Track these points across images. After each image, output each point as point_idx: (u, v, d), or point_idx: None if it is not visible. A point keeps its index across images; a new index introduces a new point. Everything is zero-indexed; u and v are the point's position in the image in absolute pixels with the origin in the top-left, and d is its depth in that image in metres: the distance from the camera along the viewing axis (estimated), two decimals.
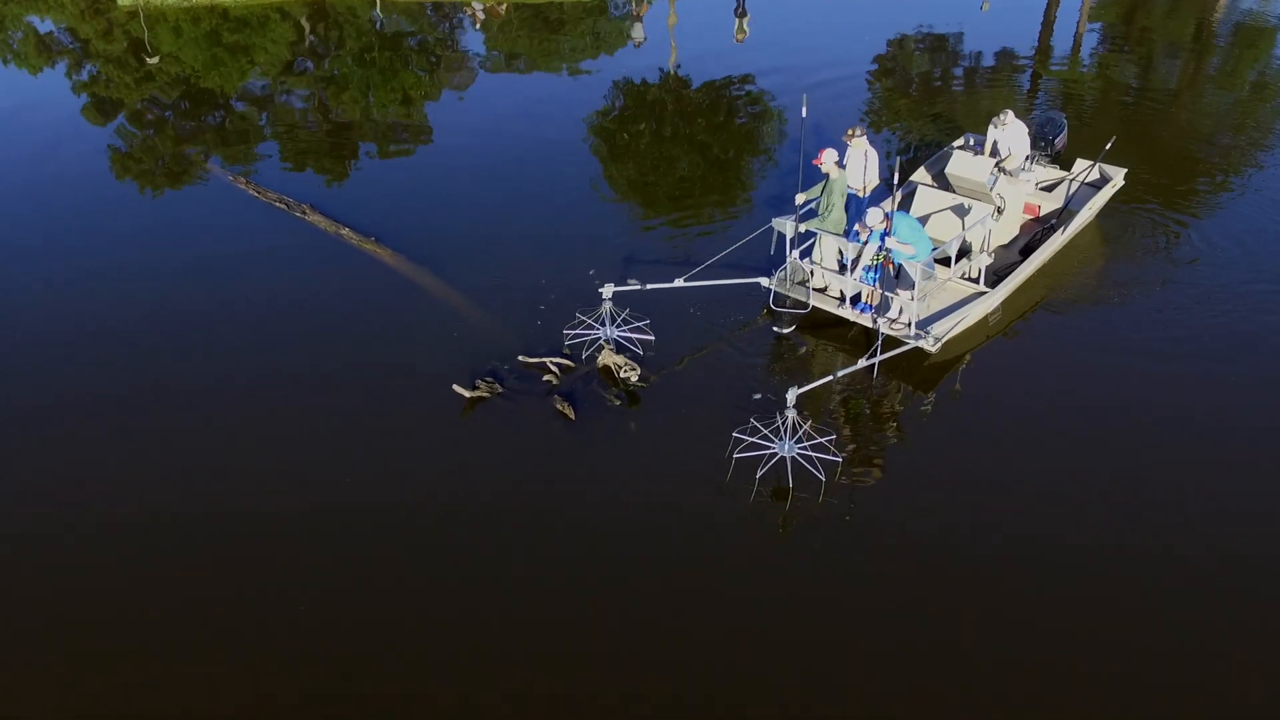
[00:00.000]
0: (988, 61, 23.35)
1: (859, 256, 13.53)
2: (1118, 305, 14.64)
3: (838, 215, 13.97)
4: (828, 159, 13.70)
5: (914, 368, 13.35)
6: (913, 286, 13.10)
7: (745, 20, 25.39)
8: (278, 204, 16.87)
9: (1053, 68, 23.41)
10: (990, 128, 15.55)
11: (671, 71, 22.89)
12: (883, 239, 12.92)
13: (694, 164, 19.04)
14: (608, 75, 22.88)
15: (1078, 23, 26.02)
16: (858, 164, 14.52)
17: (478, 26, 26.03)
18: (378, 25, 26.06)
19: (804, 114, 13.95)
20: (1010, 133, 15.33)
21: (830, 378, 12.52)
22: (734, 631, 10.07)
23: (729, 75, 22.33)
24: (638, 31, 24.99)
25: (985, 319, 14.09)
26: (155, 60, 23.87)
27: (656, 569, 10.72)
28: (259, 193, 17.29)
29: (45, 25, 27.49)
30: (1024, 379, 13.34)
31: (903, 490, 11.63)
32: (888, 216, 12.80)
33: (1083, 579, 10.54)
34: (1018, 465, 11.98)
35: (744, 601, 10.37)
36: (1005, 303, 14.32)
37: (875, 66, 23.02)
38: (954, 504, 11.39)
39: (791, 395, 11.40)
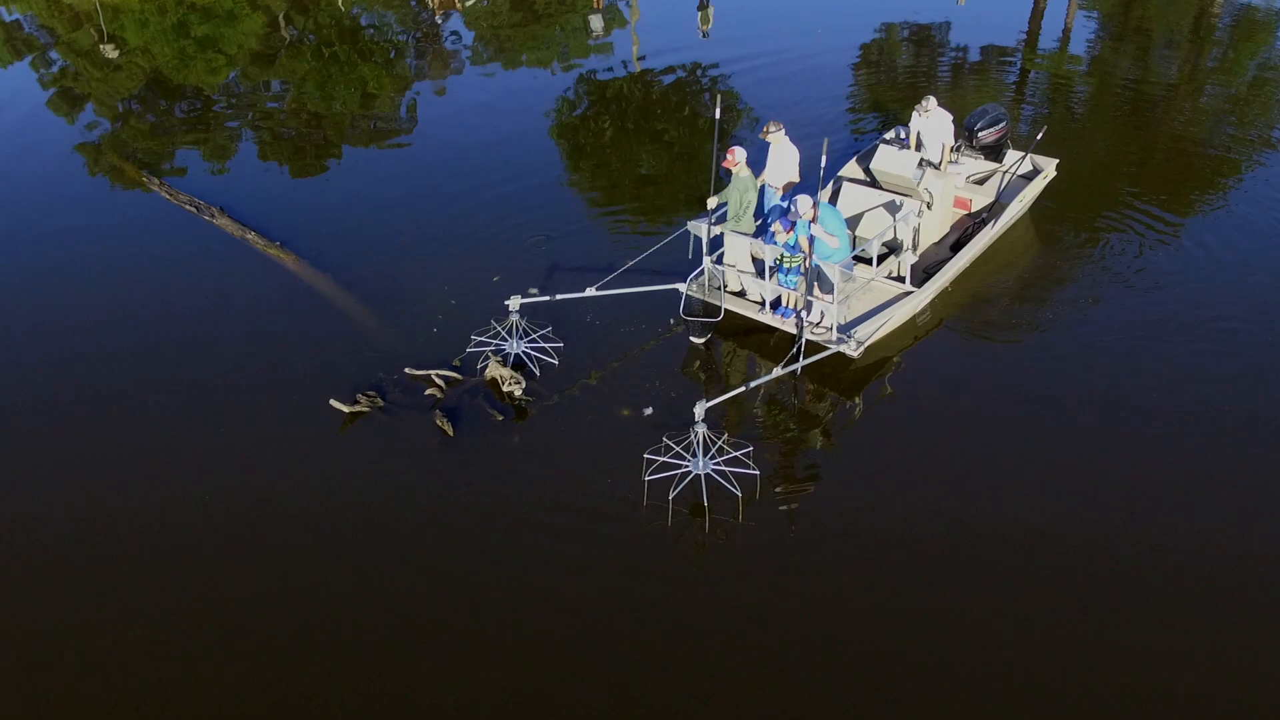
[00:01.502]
0: (973, 54, 22.32)
1: (780, 260, 12.67)
2: (1053, 301, 13.92)
3: (749, 216, 13.14)
4: (738, 157, 12.88)
5: (840, 373, 12.60)
6: (833, 289, 12.28)
7: (709, 12, 24.48)
8: (188, 206, 16.26)
9: (1039, 59, 22.34)
10: (914, 115, 14.62)
11: (636, 66, 22.05)
12: (809, 228, 12.06)
13: (626, 165, 18.28)
14: (568, 71, 22.11)
15: (1067, 13, 24.85)
16: (777, 160, 13.67)
17: (437, 18, 25.35)
18: (362, 18, 25.50)
19: (717, 114, 13.26)
20: (933, 121, 14.39)
21: (742, 389, 11.72)
22: (646, 654, 9.42)
23: (688, 70, 21.54)
24: (596, 24, 24.18)
25: (914, 319, 13.29)
26: (114, 52, 23.35)
27: (548, 595, 9.99)
28: (171, 195, 16.69)
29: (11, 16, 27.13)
30: (952, 380, 12.59)
31: (827, 499, 10.97)
32: (815, 205, 12.00)
33: (1014, 578, 10.03)
34: (944, 468, 11.28)
35: (660, 626, 9.66)
36: (937, 301, 13.56)
37: (848, 58, 22.06)
38: (880, 511, 10.76)
39: (699, 409, 10.66)
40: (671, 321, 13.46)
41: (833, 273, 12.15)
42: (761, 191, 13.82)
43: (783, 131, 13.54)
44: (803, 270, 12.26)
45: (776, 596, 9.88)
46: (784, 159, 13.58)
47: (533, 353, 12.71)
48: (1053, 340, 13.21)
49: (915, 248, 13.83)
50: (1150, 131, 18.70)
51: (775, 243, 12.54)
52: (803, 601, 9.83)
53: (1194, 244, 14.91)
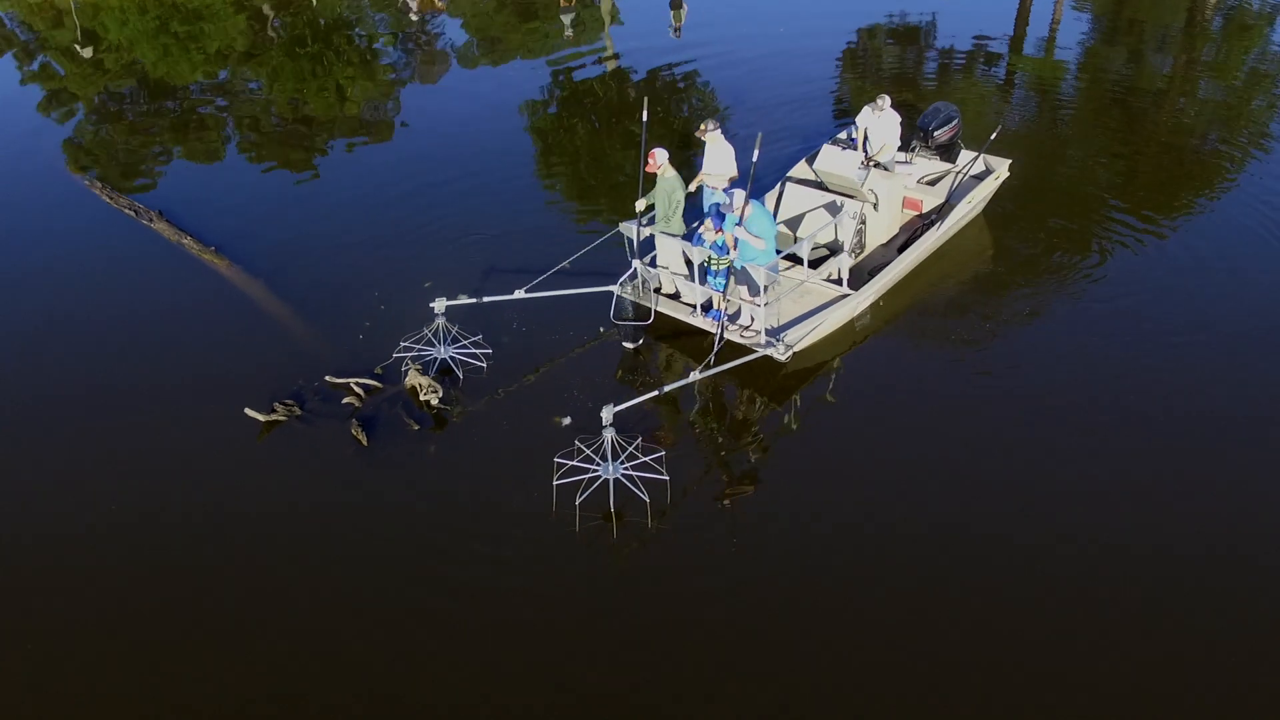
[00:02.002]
0: (956, 52, 21.78)
1: (708, 262, 12.27)
2: (1003, 308, 13.43)
3: (678, 217, 12.75)
4: (659, 160, 12.57)
5: (772, 377, 12.20)
6: (759, 291, 11.90)
7: (682, 11, 24.04)
8: (127, 210, 15.98)
9: (1024, 57, 21.78)
10: (866, 110, 14.17)
11: (610, 64, 21.65)
12: (738, 223, 11.75)
13: (573, 165, 17.94)
14: (534, 70, 21.70)
15: (1054, 9, 24.22)
16: (713, 159, 13.30)
17: (412, 15, 25.03)
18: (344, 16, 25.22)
19: (644, 117, 12.92)
20: (884, 120, 13.92)
21: (655, 393, 11.33)
22: (544, 662, 9.15)
23: (656, 68, 21.15)
24: (567, 22, 23.78)
25: (852, 323, 12.86)
26: (89, 52, 23.22)
27: (455, 605, 9.70)
28: (111, 198, 16.42)
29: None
30: (887, 387, 12.17)
31: (740, 505, 10.72)
32: (748, 202, 11.70)
33: (931, 581, 9.70)
34: (866, 473, 10.92)
35: (561, 637, 9.35)
36: (879, 305, 13.15)
37: (822, 56, 21.53)
38: (795, 517, 10.41)
39: (607, 413, 10.34)
40: (601, 330, 13.08)
41: (758, 274, 11.76)
42: (700, 191, 13.46)
43: (719, 130, 13.17)
44: (730, 272, 11.87)
45: (681, 603, 9.57)
46: (720, 157, 13.19)
47: (460, 357, 12.37)
48: (999, 347, 12.80)
49: (860, 249, 13.43)
50: (1136, 131, 18.11)
51: (703, 242, 12.12)
52: (708, 607, 9.53)
53: (1177, 247, 14.48)
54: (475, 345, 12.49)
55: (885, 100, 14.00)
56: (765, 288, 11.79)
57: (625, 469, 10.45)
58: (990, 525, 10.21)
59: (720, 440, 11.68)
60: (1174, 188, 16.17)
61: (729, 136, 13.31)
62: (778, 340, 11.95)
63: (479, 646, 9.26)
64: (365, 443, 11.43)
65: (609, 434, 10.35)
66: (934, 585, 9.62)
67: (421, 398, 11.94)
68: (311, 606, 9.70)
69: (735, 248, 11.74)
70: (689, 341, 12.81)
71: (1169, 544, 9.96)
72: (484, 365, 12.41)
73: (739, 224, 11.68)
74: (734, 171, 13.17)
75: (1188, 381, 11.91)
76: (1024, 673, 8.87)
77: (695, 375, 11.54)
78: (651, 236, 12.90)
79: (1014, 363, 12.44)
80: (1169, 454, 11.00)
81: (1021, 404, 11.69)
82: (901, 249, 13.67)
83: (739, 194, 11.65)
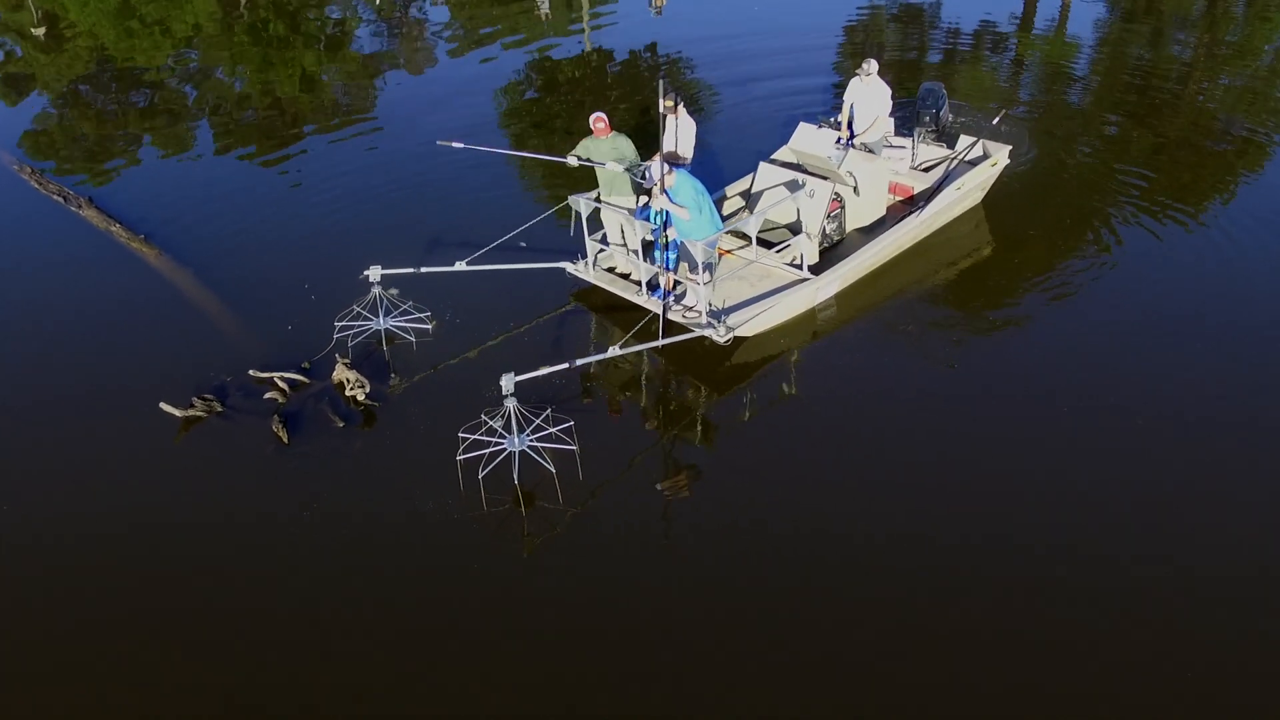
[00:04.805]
0: (961, 34, 20.70)
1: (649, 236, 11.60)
2: (983, 307, 12.28)
3: (621, 184, 11.96)
4: (603, 123, 11.78)
5: (721, 361, 11.35)
6: (698, 269, 11.10)
7: None
8: (55, 196, 15.04)
9: (1034, 40, 20.65)
10: (853, 81, 13.12)
11: (587, 47, 20.68)
12: (666, 194, 10.97)
13: (533, 141, 16.92)
14: (508, 50, 20.74)
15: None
16: (672, 136, 12.25)
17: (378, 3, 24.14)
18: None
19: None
20: (871, 90, 12.83)
21: (564, 365, 10.46)
22: (444, 649, 8.46)
23: (635, 48, 20.23)
24: (543, 3, 22.78)
25: (814, 312, 11.92)
26: (41, 32, 22.52)
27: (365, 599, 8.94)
28: (40, 185, 15.49)
29: None
30: (847, 382, 11.09)
31: (649, 479, 9.91)
32: (671, 171, 10.90)
33: (837, 573, 8.90)
34: (816, 471, 9.94)
35: (471, 620, 8.65)
36: (853, 295, 12.15)
37: (813, 37, 20.48)
38: (716, 509, 9.59)
39: (507, 382, 9.57)
40: (544, 306, 12.33)
41: (696, 250, 10.96)
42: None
43: (681, 106, 12.20)
44: (663, 245, 11.27)
45: (584, 580, 8.98)
46: (684, 134, 12.25)
47: (403, 326, 11.73)
48: (983, 346, 11.68)
49: (840, 234, 12.54)
50: (1155, 119, 16.81)
51: (649, 214, 11.37)
52: (614, 585, 8.92)
53: (1197, 240, 13.25)
54: (415, 309, 11.80)
55: (871, 65, 12.94)
56: (703, 264, 10.96)
57: (532, 441, 9.75)
58: (954, 535, 9.15)
59: (642, 420, 10.90)
60: (1195, 178, 14.91)
61: (701, 115, 12.40)
62: (719, 321, 11.05)
63: (381, 653, 8.44)
64: (286, 440, 10.52)
65: (510, 404, 9.62)
66: (879, 590, 8.69)
67: (348, 392, 10.99)
68: (214, 611, 8.88)
69: (666, 223, 11.08)
70: (626, 316, 11.85)
71: (1159, 551, 8.96)
72: (429, 328, 11.77)
73: (664, 192, 10.92)
74: (686, 151, 12.23)
75: (1196, 381, 10.81)
76: (996, 684, 7.92)
77: (614, 351, 10.62)
78: (598, 210, 12.06)
79: (1000, 362, 11.37)
80: (1162, 459, 9.93)
81: (1003, 406, 10.63)
82: None
83: (655, 166, 10.97)
